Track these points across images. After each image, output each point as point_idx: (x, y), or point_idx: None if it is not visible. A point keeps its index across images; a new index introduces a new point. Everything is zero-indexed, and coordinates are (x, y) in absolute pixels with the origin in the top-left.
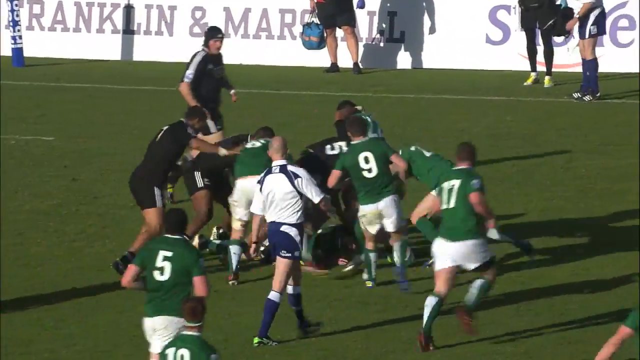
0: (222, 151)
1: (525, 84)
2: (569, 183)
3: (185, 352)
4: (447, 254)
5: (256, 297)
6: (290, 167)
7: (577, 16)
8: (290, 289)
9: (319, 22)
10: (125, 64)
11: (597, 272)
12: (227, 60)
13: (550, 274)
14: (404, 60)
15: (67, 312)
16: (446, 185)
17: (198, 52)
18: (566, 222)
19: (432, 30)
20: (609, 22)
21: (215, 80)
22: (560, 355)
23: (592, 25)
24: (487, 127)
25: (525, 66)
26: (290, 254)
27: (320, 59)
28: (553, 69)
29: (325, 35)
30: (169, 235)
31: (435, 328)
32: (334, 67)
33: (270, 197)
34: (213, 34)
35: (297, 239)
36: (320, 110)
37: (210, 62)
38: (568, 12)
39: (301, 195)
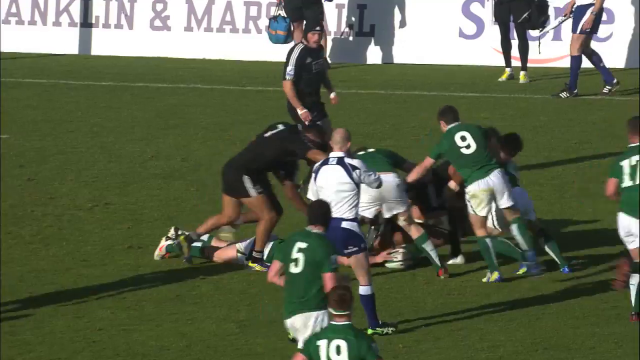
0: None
1: (499, 79)
2: (545, 183)
3: (341, 343)
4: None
5: (218, 302)
6: (347, 160)
7: (593, 12)
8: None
9: (285, 15)
10: (83, 58)
11: (572, 275)
12: (189, 54)
13: (525, 277)
14: (374, 55)
15: (22, 317)
16: (627, 163)
17: (296, 45)
18: (542, 223)
19: (403, 23)
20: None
21: (314, 75)
22: None
23: (585, 21)
24: None
25: (501, 61)
26: (358, 248)
27: (286, 53)
28: (528, 64)
29: (292, 28)
30: (309, 228)
31: (405, 336)
32: None
33: (325, 190)
34: (311, 26)
35: (359, 231)
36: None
37: (309, 56)
38: (542, 4)
39: (358, 189)
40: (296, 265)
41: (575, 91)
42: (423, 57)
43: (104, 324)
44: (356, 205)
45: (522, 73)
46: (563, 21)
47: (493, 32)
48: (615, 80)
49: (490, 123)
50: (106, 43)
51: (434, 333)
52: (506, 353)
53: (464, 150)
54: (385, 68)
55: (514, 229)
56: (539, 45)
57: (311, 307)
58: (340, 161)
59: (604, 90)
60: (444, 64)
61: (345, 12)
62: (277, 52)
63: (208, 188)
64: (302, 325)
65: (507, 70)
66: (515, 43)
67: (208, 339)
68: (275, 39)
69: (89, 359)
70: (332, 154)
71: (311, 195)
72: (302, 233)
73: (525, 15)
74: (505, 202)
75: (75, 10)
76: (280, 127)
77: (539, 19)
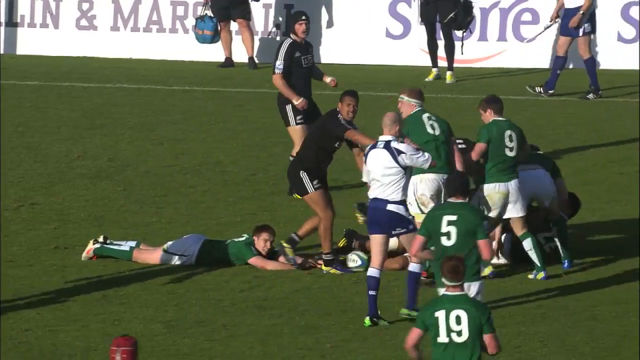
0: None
1: (426, 79)
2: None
3: (461, 313)
4: None
5: (145, 302)
6: (393, 144)
7: (582, 12)
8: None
9: (212, 15)
10: (9, 57)
11: (497, 279)
12: (116, 54)
13: None
14: None
15: None
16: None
17: (284, 40)
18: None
19: (330, 23)
20: (511, 16)
21: (304, 70)
22: None
23: (586, 23)
24: None
25: (426, 61)
26: (406, 229)
27: (214, 53)
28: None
29: (219, 28)
30: (452, 200)
31: (332, 336)
32: (229, 61)
33: (374, 172)
34: (297, 17)
35: (406, 213)
36: (214, 107)
37: (298, 50)
38: (468, 5)
39: (405, 172)
40: (448, 238)
41: (600, 92)
42: (350, 57)
43: (30, 324)
44: (403, 188)
45: (448, 73)
46: (549, 26)
47: (419, 32)
48: (552, 91)
49: None
50: (32, 42)
51: (362, 332)
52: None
53: (507, 151)
54: None
55: (526, 244)
56: (462, 46)
57: (469, 277)
58: (386, 145)
59: (538, 91)
60: (370, 63)
61: (272, 12)
62: (204, 52)
63: (135, 188)
64: None
65: (434, 70)
66: (441, 43)
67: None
68: (202, 39)
69: (15, 359)
70: (380, 137)
71: (365, 178)
72: (446, 206)
73: (451, 15)
74: (516, 211)
75: (0, 9)
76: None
77: (465, 19)
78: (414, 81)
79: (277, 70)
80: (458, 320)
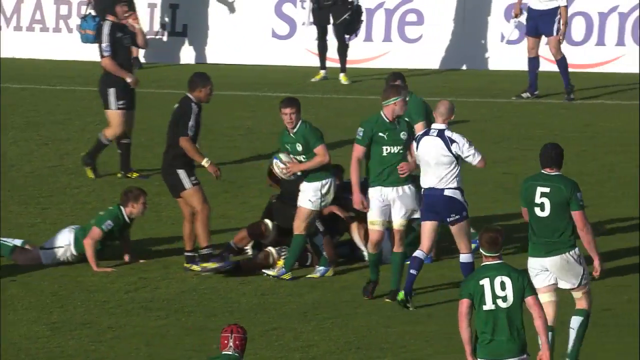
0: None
1: (312, 79)
2: None
3: (505, 279)
4: None
5: (29, 304)
6: (447, 132)
7: (562, 20)
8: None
9: (95, 15)
10: None
11: (383, 275)
12: None
13: (338, 277)
14: (187, 54)
15: None
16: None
17: (104, 22)
18: None
19: (216, 23)
20: (397, 17)
21: (126, 50)
22: None
23: (558, 23)
24: (273, 124)
25: (313, 62)
26: (460, 215)
27: (98, 53)
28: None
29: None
30: (546, 172)
31: (219, 337)
32: None
33: (425, 160)
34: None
35: (462, 199)
36: (99, 107)
37: (119, 31)
38: (359, 10)
39: (458, 161)
40: (542, 209)
41: (572, 96)
42: (236, 57)
43: None
44: (458, 175)
45: (342, 75)
46: (517, 22)
47: (306, 33)
48: (536, 92)
49: None
50: None
51: (248, 333)
52: (320, 353)
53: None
54: (198, 68)
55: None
56: (348, 48)
57: (565, 247)
58: (440, 133)
59: (526, 96)
60: (256, 64)
61: (157, 11)
62: (88, 52)
63: (19, 188)
64: (557, 265)
65: (322, 72)
66: (331, 45)
67: (19, 342)
68: (85, 39)
69: None
70: (434, 125)
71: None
72: (538, 177)
73: (344, 17)
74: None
75: None
76: (176, 106)
77: (356, 23)
78: (300, 81)
79: (105, 53)
80: (503, 286)
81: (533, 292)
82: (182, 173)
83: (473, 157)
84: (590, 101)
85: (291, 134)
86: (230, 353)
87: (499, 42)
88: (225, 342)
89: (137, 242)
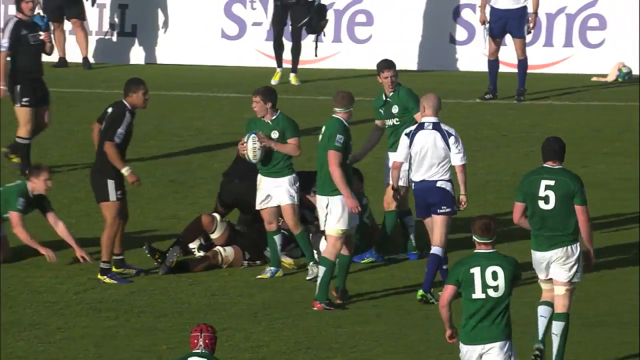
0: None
1: (272, 80)
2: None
3: (497, 269)
4: None
5: None
6: (443, 126)
7: (535, 13)
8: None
9: (44, 15)
10: None
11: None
12: None
13: (289, 278)
14: (137, 55)
15: None
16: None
17: (10, 19)
18: None
19: (166, 24)
20: (346, 18)
21: (32, 48)
22: None
23: (527, 23)
24: (223, 124)
25: (262, 62)
26: (450, 209)
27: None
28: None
29: (52, 28)
30: (549, 165)
31: (169, 338)
32: (62, 61)
33: (421, 154)
34: None
35: (453, 193)
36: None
37: (24, 28)
38: (322, 9)
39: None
40: (547, 202)
41: (522, 97)
42: (186, 57)
43: None
44: (449, 169)
45: (292, 75)
46: (487, 28)
47: (256, 33)
48: (496, 94)
49: None
50: None
51: None
52: (270, 353)
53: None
54: (148, 68)
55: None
56: (316, 49)
57: (568, 240)
58: (436, 126)
59: (488, 97)
60: (206, 64)
61: (107, 12)
62: None
63: None
64: (559, 256)
65: (278, 70)
66: (288, 45)
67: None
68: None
69: None
70: (426, 119)
71: (401, 154)
72: (541, 170)
73: (305, 20)
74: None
75: None
76: (109, 110)
77: (319, 23)
78: (250, 81)
79: (2, 49)
80: (495, 276)
81: (519, 282)
82: (111, 184)
83: (459, 155)
84: (538, 102)
85: (269, 122)
86: (200, 352)
87: (447, 43)
88: (195, 341)
89: (90, 241)
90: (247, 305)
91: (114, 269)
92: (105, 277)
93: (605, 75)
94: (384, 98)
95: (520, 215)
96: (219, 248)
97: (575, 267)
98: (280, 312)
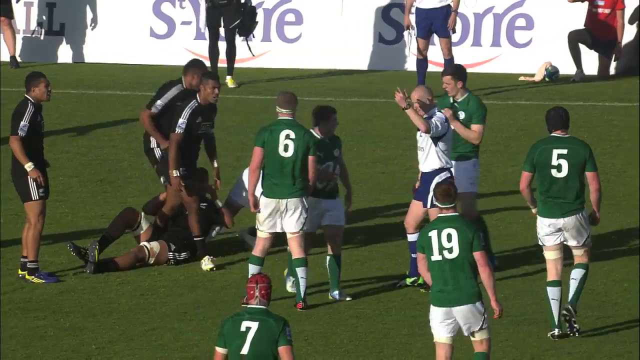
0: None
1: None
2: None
3: (452, 231)
4: None
5: None
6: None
7: (454, 10)
8: None
9: None
10: None
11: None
12: None
13: (218, 277)
14: (65, 54)
15: None
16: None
17: None
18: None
19: (94, 22)
20: (275, 18)
21: None
22: None
23: (451, 21)
24: None
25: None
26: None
27: None
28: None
29: None
30: (558, 134)
31: (98, 337)
32: None
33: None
34: None
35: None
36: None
37: None
38: (252, 11)
39: (439, 140)
40: (559, 170)
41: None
42: (114, 56)
43: None
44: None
45: (228, 77)
46: (411, 33)
47: (185, 32)
48: None
49: None
50: None
51: (128, 333)
52: (200, 352)
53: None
54: (76, 67)
55: None
56: (250, 49)
57: (579, 208)
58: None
59: None
60: (135, 63)
61: (35, 10)
62: None
63: None
64: (572, 224)
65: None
66: (222, 48)
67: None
68: None
69: None
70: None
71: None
72: (552, 140)
73: (237, 21)
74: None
75: None
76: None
77: (251, 25)
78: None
79: None
80: (449, 237)
81: (480, 247)
82: (32, 183)
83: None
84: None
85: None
86: (255, 305)
87: (377, 42)
88: (252, 292)
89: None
90: (177, 305)
91: (19, 272)
92: (33, 277)
93: (532, 75)
94: (451, 101)
95: (528, 184)
96: (143, 243)
97: (587, 231)
98: (210, 312)
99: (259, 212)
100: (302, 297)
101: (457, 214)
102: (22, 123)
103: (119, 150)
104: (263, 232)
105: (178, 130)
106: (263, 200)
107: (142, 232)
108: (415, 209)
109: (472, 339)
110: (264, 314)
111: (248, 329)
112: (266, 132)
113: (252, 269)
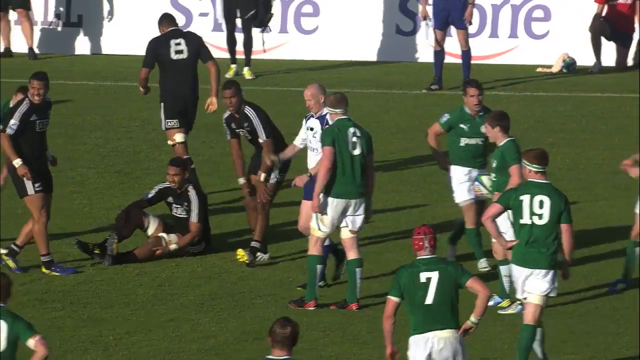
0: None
1: (226, 75)
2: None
3: (545, 199)
4: None
5: None
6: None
7: (471, 2)
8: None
9: None
10: None
11: (286, 267)
12: None
13: (235, 269)
14: (82, 45)
15: None
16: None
17: None
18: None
19: (112, 14)
20: (292, 10)
21: None
22: (246, 350)
23: (467, 14)
24: None
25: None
26: None
27: None
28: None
29: None
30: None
31: (115, 328)
32: (7, 51)
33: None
34: None
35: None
36: None
37: None
38: (267, 2)
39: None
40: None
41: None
42: (131, 48)
43: None
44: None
45: (246, 69)
46: (428, 24)
47: (202, 23)
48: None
49: (204, 116)
50: None
51: (145, 324)
52: (217, 343)
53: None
54: (93, 59)
55: None
56: (263, 42)
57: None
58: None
59: (435, 88)
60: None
61: (52, 2)
62: None
63: None
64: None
65: (233, 66)
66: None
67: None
68: None
69: None
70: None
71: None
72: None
73: (252, 12)
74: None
75: None
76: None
77: (266, 16)
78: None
79: None
80: (541, 204)
81: (569, 220)
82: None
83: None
84: (484, 93)
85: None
86: (427, 256)
87: (393, 33)
88: (421, 243)
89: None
90: (194, 296)
91: (2, 256)
92: (49, 270)
93: (550, 66)
94: (471, 116)
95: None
96: (161, 234)
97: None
98: (227, 303)
99: (325, 214)
100: (357, 297)
101: (549, 181)
102: (11, 121)
103: (136, 141)
104: (324, 232)
105: None
106: (330, 201)
107: (153, 230)
108: (307, 209)
109: (527, 301)
110: (440, 262)
111: (429, 279)
112: (334, 131)
113: (318, 269)
